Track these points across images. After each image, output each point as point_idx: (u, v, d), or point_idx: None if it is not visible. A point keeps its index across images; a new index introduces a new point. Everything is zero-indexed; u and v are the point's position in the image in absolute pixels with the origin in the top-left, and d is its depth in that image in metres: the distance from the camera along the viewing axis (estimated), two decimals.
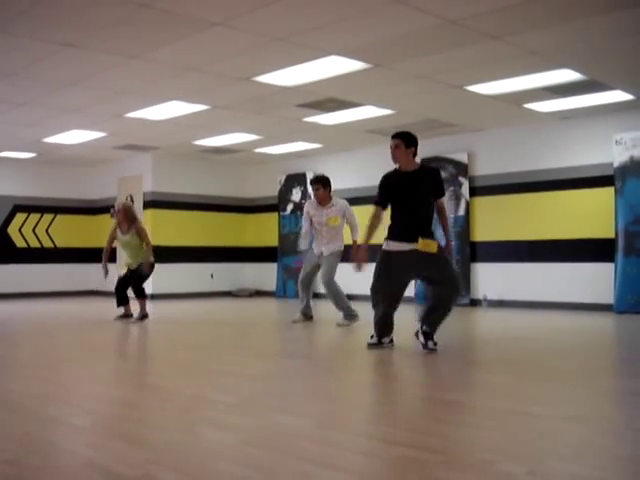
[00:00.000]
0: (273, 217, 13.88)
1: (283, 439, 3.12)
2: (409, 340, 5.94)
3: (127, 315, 8.77)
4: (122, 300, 8.77)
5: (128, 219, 8.63)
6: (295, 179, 13.41)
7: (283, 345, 6.93)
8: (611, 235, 9.21)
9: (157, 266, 8.87)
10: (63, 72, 7.25)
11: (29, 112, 9.14)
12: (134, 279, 8.68)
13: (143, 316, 8.62)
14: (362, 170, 11.91)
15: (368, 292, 5.89)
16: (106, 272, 8.59)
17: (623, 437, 3.16)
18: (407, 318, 7.44)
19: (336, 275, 7.90)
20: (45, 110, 9.05)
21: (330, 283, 7.81)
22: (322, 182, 7.86)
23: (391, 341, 5.96)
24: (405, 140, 5.74)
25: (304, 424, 3.38)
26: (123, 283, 8.76)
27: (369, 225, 5.83)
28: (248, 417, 3.55)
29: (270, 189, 13.94)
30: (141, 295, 8.67)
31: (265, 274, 14.04)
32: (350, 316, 7.77)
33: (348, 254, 8.14)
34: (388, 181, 5.84)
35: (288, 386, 4.54)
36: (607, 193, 9.32)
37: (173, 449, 2.95)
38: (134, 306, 8.76)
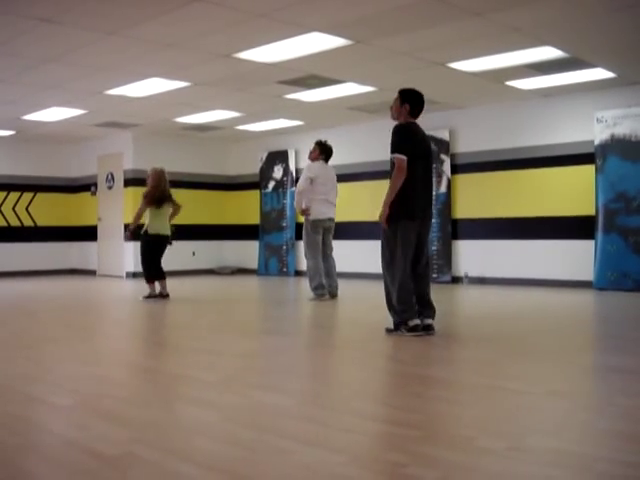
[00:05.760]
0: (255, 195, 13.83)
1: (265, 416, 3.13)
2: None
3: (160, 294, 8.46)
4: (159, 275, 8.48)
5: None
6: (277, 156, 13.35)
7: (265, 323, 6.93)
8: (591, 212, 9.27)
9: (138, 245, 8.74)
10: (41, 48, 7.13)
11: (7, 89, 8.99)
12: (156, 251, 8.45)
13: (150, 296, 8.40)
14: (344, 147, 11.85)
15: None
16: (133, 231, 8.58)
17: (603, 412, 3.20)
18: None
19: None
20: (23, 87, 8.91)
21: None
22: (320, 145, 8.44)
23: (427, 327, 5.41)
24: (401, 95, 5.52)
25: (286, 401, 3.40)
26: (148, 254, 8.44)
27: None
28: (230, 395, 3.55)
29: (252, 166, 13.88)
30: (162, 275, 8.48)
31: (247, 252, 14.01)
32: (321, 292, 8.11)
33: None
34: (410, 130, 5.41)
35: (270, 364, 4.55)
36: (588, 171, 9.36)
37: (156, 427, 2.96)
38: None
